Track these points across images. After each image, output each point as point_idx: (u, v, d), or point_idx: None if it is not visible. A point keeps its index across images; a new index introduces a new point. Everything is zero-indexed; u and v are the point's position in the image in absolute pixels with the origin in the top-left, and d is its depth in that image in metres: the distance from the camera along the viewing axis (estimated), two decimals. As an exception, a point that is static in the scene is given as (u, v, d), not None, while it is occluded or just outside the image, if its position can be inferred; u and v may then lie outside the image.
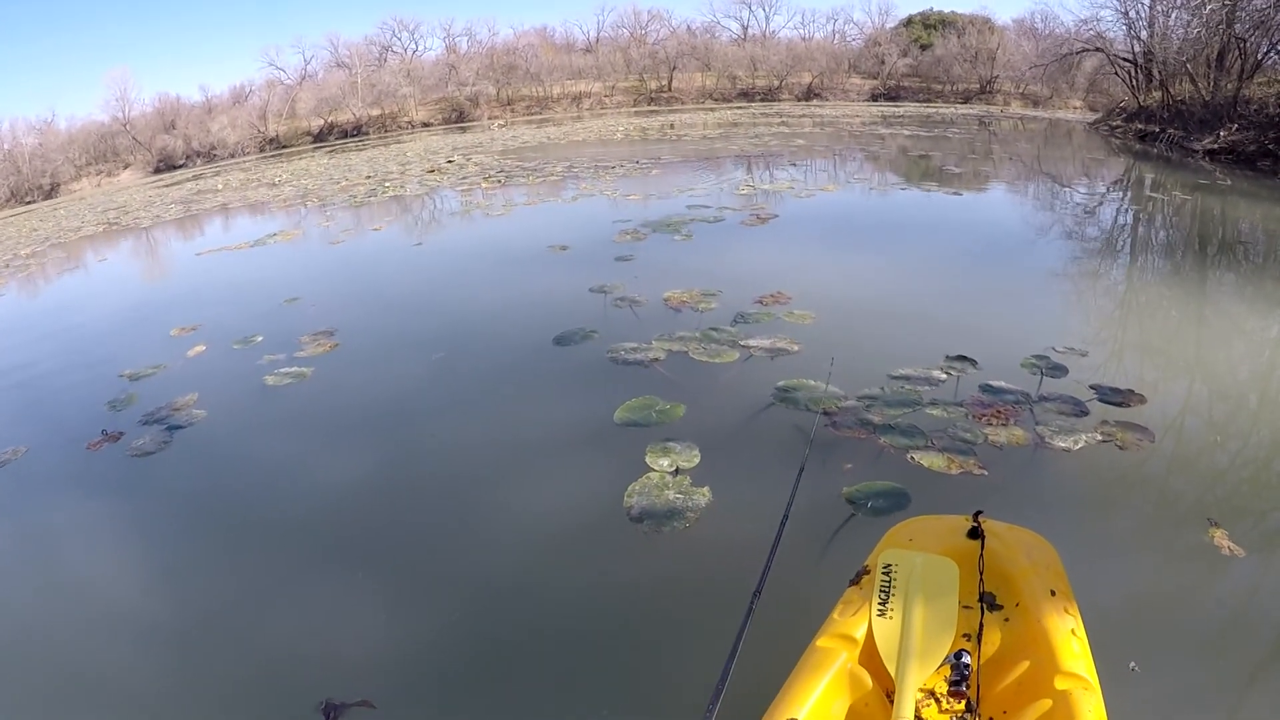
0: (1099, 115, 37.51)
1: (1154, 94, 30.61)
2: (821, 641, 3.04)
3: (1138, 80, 32.96)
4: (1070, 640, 2.92)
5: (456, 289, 11.70)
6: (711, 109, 56.97)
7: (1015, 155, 26.42)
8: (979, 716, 2.80)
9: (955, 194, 17.60)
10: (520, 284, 11.32)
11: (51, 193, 49.33)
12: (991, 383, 6.81)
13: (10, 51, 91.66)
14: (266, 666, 4.36)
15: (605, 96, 66.14)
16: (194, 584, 5.18)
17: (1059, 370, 7.05)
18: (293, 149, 57.30)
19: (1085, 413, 6.25)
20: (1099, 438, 5.86)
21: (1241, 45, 24.46)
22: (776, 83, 64.35)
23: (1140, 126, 29.55)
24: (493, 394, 7.67)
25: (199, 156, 56.78)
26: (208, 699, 4.15)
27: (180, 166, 55.32)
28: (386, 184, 25.22)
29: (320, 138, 61.08)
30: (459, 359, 8.59)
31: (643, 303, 9.67)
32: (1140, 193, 18.58)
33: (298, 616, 4.74)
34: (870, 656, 3.00)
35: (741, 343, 8.10)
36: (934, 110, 48.96)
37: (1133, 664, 3.69)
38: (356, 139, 58.61)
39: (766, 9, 78.13)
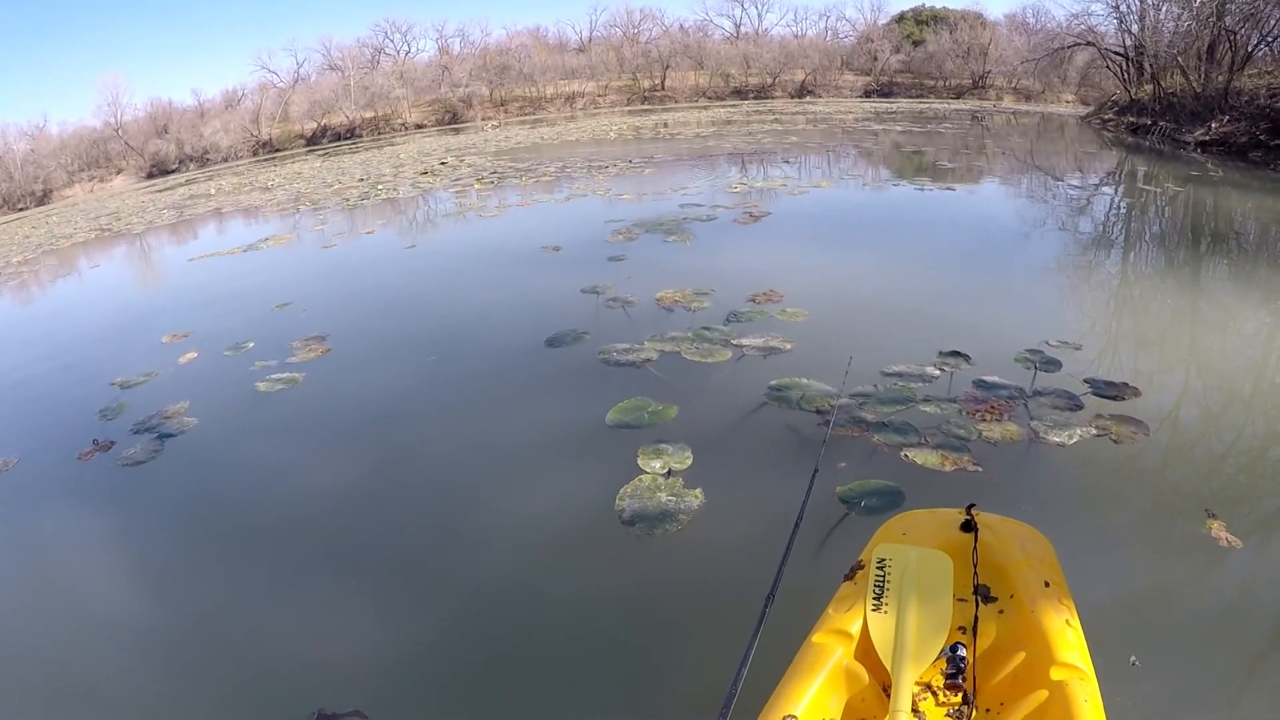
0: (1091, 109, 37.62)
1: (1145, 87, 30.69)
2: (817, 637, 3.03)
3: (1129, 74, 33.05)
4: (1065, 631, 2.92)
5: (448, 291, 11.67)
6: (705, 107, 57.02)
7: (1008, 150, 26.41)
8: (976, 708, 2.80)
9: (948, 189, 17.56)
10: (512, 285, 11.29)
11: (44, 199, 49.35)
12: (985, 378, 6.79)
13: (2, 57, 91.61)
14: (258, 676, 4.32)
15: (599, 96, 66.15)
16: (185, 593, 5.14)
17: (1053, 364, 7.03)
18: (286, 152, 57.30)
19: (1079, 407, 6.23)
20: (1093, 431, 5.83)
21: (1232, 37, 24.52)
22: (769, 80, 64.46)
23: (1132, 119, 29.63)
24: (484, 397, 7.63)
25: (192, 161, 56.78)
26: (199, 709, 4.12)
27: (173, 171, 55.31)
28: (379, 187, 25.18)
29: (313, 141, 61.06)
30: (450, 362, 8.55)
31: (635, 303, 9.64)
32: (1133, 185, 18.59)
33: (290, 625, 4.71)
34: (866, 651, 3.00)
35: (734, 342, 8.06)
36: (927, 106, 48.96)
37: (1133, 658, 3.67)
38: (350, 142, 58.60)
39: (759, 7, 78.70)
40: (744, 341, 8.04)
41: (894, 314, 8.78)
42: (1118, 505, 5.10)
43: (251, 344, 9.71)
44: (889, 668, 2.86)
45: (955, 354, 7.32)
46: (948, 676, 2.86)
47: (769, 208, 15.30)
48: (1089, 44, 36.10)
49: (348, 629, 4.60)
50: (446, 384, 8.04)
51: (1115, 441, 5.70)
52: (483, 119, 62.39)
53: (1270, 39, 24.75)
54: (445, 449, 6.73)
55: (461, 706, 3.96)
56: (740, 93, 64.44)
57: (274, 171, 39.34)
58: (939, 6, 66.13)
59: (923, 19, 65.23)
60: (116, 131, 58.61)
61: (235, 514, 6.04)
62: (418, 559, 5.23)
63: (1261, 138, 20.36)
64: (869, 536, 3.71)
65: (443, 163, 30.62)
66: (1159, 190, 17.23)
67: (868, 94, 61.12)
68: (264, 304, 11.66)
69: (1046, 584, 3.18)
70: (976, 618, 3.10)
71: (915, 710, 2.75)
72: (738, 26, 75.62)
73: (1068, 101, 46.76)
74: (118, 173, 56.29)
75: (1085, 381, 6.63)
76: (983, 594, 3.24)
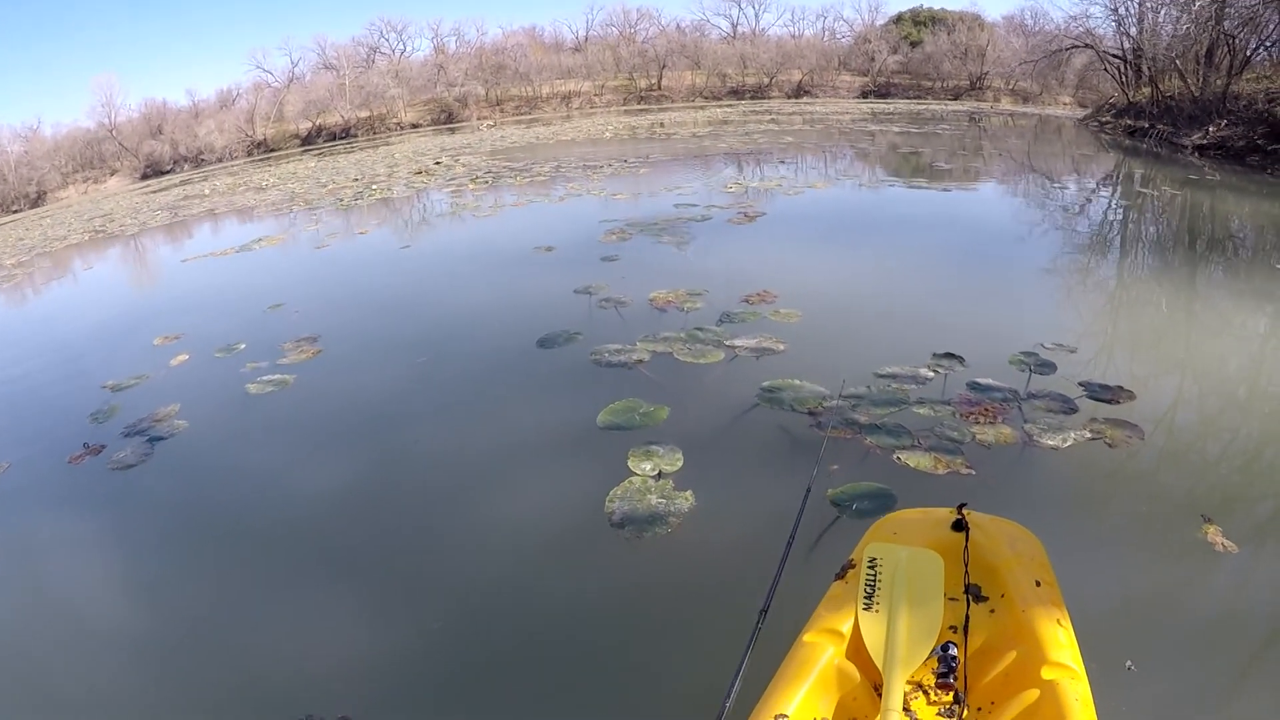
0: (1088, 111, 37.63)
1: (1143, 90, 30.69)
2: (808, 637, 3.02)
3: (1127, 76, 33.08)
4: (1056, 630, 2.91)
5: (441, 292, 11.63)
6: (701, 107, 57.09)
7: (1005, 151, 26.43)
8: (967, 707, 2.79)
9: (945, 190, 17.56)
10: (505, 286, 11.24)
11: (38, 201, 49.29)
12: (979, 380, 6.73)
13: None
14: (249, 681, 4.27)
15: (595, 95, 66.20)
16: (174, 598, 5.09)
17: (1048, 367, 6.98)
18: (281, 152, 57.29)
19: (1074, 410, 6.17)
20: (1088, 435, 5.78)
21: (1230, 42, 24.53)
22: (766, 80, 64.54)
23: (1129, 122, 29.62)
24: (475, 398, 7.58)
25: (186, 161, 56.75)
26: (190, 714, 4.08)
27: (167, 172, 55.28)
28: (374, 187, 25.13)
29: (308, 141, 61.07)
30: (442, 363, 8.49)
31: (628, 303, 9.58)
32: (1130, 188, 18.57)
33: (279, 629, 4.66)
34: (857, 651, 2.98)
35: (727, 343, 8.01)
36: (924, 107, 49.08)
37: (1129, 663, 3.64)
38: (345, 141, 58.59)
39: (756, 6, 79.11)
40: (737, 342, 7.98)
41: (888, 315, 8.74)
42: (1113, 510, 5.06)
43: (243, 345, 9.64)
44: (880, 667, 2.85)
45: (949, 356, 7.26)
46: (939, 676, 2.86)
47: (764, 208, 15.26)
48: (1087, 46, 36.14)
49: (337, 633, 4.55)
50: (437, 385, 7.98)
51: (1110, 445, 5.65)
52: (478, 118, 62.38)
53: (1269, 43, 24.83)
54: (435, 451, 6.65)
55: (451, 711, 3.93)
56: (737, 93, 64.52)
57: (269, 171, 39.32)
58: (937, 7, 66.37)
59: (920, 20, 65.35)
60: (110, 132, 58.60)
61: (224, 517, 5.98)
62: (408, 562, 5.17)
63: (1259, 142, 20.32)
64: (860, 539, 3.66)
65: (437, 162, 30.58)
66: (1156, 193, 17.22)
67: (865, 95, 61.22)
68: (256, 305, 11.60)
69: (1038, 583, 3.16)
70: (968, 617, 3.09)
71: (907, 709, 2.75)
72: (735, 26, 75.89)
73: (1065, 104, 46.80)
74: (112, 174, 56.25)
75: (1080, 384, 6.58)
76: (974, 593, 3.23)
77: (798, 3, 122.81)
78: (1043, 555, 3.38)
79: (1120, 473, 5.41)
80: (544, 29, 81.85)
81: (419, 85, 66.61)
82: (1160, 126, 26.29)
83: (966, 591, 3.20)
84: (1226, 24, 24.64)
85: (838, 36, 71.93)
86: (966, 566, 3.28)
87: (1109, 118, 32.79)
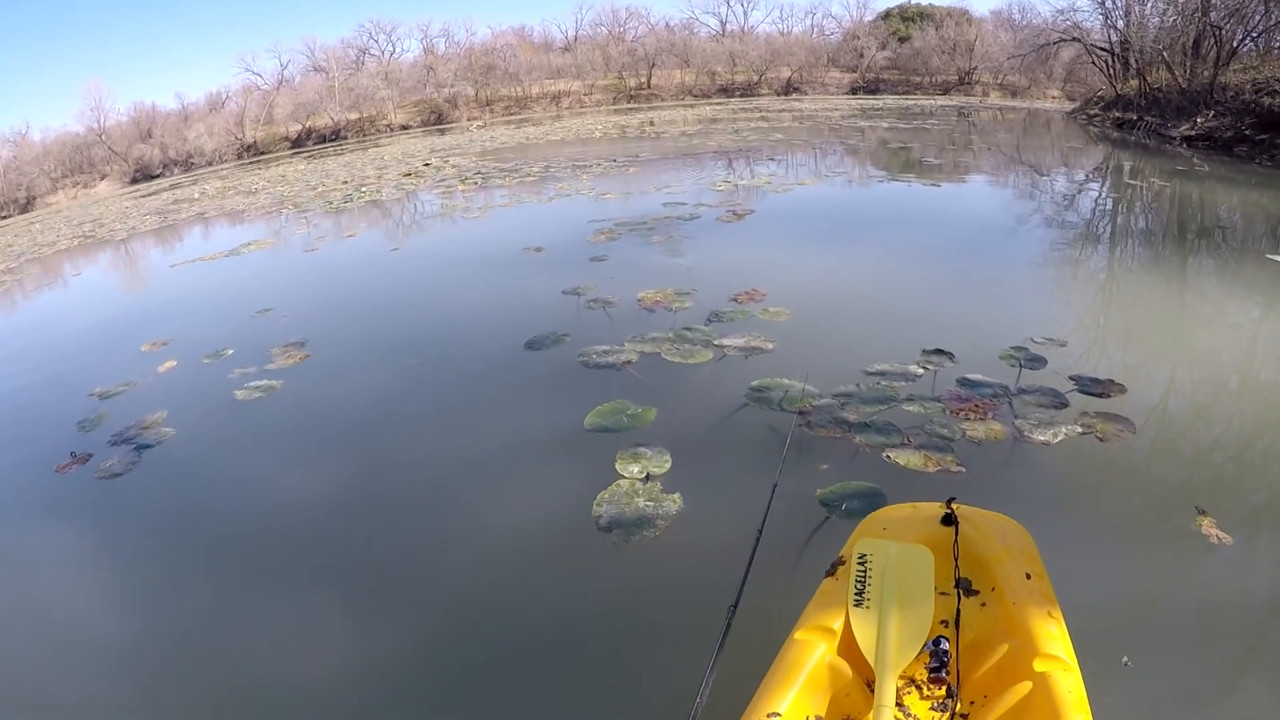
0: (1077, 104, 37.79)
1: (1131, 82, 30.76)
2: (799, 635, 3.01)
3: (1115, 69, 33.20)
4: (1047, 622, 2.91)
5: (429, 295, 11.57)
6: (691, 105, 57.07)
7: (994, 145, 26.48)
8: (960, 701, 2.80)
9: (934, 185, 17.57)
10: (494, 288, 11.18)
11: (27, 206, 49.13)
12: (969, 376, 6.70)
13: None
14: (238, 690, 4.23)
15: (584, 95, 66.13)
16: (162, 608, 5.04)
17: (1038, 361, 6.95)
18: (271, 155, 57.13)
19: (1065, 404, 6.15)
20: (1079, 430, 5.75)
21: (1217, 33, 24.59)
22: (755, 78, 64.60)
23: (1118, 115, 29.70)
24: (462, 403, 7.53)
25: (176, 165, 56.54)
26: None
27: (157, 176, 55.09)
28: (363, 189, 25.05)
29: (298, 143, 60.90)
30: (429, 367, 8.43)
31: (616, 304, 9.54)
32: (1119, 180, 18.61)
33: (268, 637, 4.62)
34: (849, 647, 2.98)
35: (715, 342, 7.97)
36: (913, 102, 49.14)
37: (1125, 659, 3.62)
38: (335, 144, 58.44)
39: (745, 4, 79.36)
40: (725, 342, 7.95)
41: (877, 312, 8.71)
42: (1105, 504, 5.03)
43: (231, 351, 9.57)
44: (872, 663, 2.85)
45: (939, 352, 7.23)
46: (931, 670, 2.88)
47: (753, 206, 15.23)
48: (1074, 40, 36.35)
49: (327, 640, 4.52)
50: (425, 389, 7.93)
51: (1101, 439, 5.62)
52: (468, 119, 62.30)
53: (1255, 34, 24.86)
54: (423, 456, 6.60)
55: (442, 717, 3.91)
56: (726, 91, 64.55)
57: (258, 175, 39.20)
58: (925, 3, 66.32)
59: (909, 15, 65.36)
60: (100, 137, 58.33)
61: (211, 526, 5.93)
62: (396, 568, 5.13)
63: (1247, 132, 20.36)
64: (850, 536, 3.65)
65: (427, 164, 30.49)
66: (1145, 185, 17.24)
67: (854, 91, 61.27)
68: (245, 310, 11.52)
69: (1028, 576, 3.16)
70: (958, 611, 3.09)
71: (900, 704, 2.75)
72: (724, 24, 75.80)
73: (1053, 97, 46.97)
74: (101, 178, 56.03)
75: (1071, 379, 6.55)
76: (964, 587, 3.23)
77: (786, 0, 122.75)
78: (1033, 548, 3.38)
79: (1112, 466, 5.39)
80: (533, 29, 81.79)
81: (408, 86, 66.46)
82: (1148, 118, 26.37)
83: (957, 585, 3.21)
84: (1213, 15, 24.75)
85: (826, 33, 71.99)
86: (956, 561, 3.29)
87: (1097, 110, 32.88)
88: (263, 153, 59.18)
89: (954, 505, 3.54)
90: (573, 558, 4.97)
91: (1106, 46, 33.33)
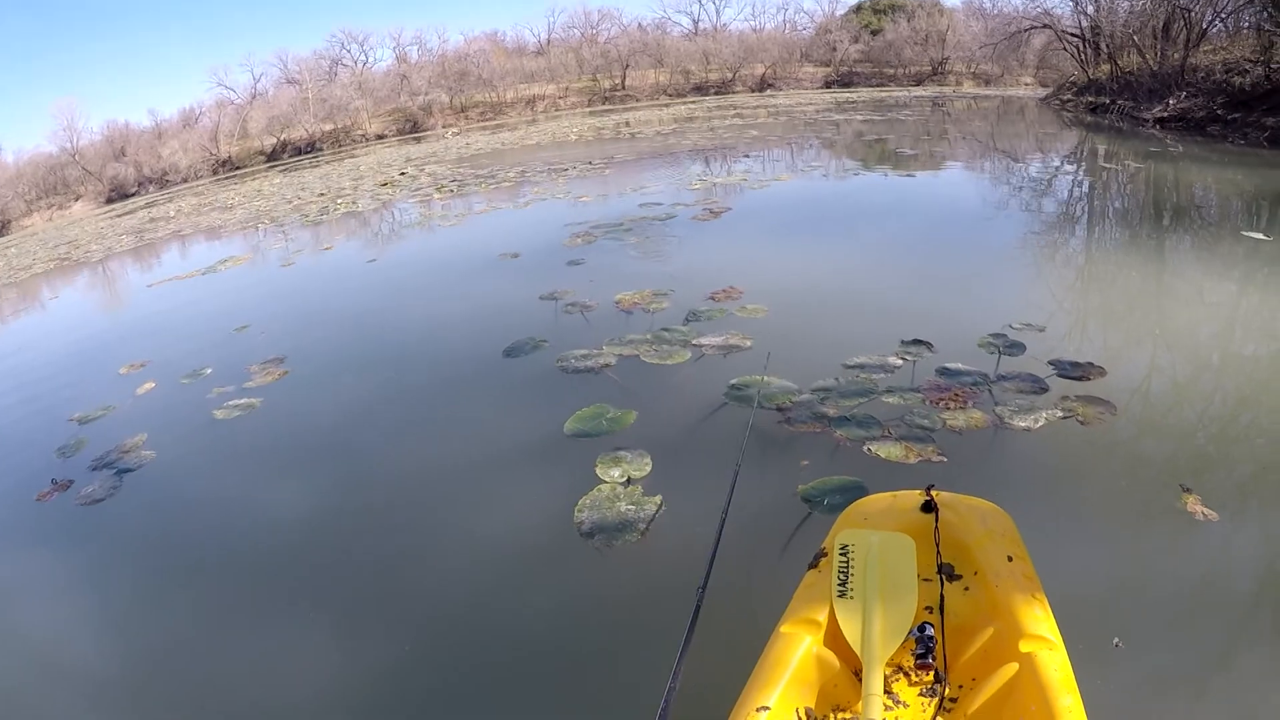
0: (1050, 90, 38.05)
1: (1103, 67, 30.96)
2: (785, 628, 2.99)
3: (1086, 54, 33.34)
4: (1031, 603, 2.91)
5: (407, 306, 11.47)
6: (666, 105, 57.10)
7: (969, 134, 26.57)
8: (948, 685, 2.80)
9: (910, 176, 17.60)
10: (471, 296, 11.12)
11: (3, 230, 48.86)
12: (948, 365, 6.69)
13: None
14: (219, 714, 4.18)
15: (559, 98, 66.08)
16: (144, 633, 4.98)
17: (1017, 348, 6.94)
18: (246, 169, 56.88)
19: (1045, 389, 6.14)
20: (1060, 414, 5.74)
21: (1186, 15, 24.77)
22: (730, 75, 64.72)
23: (1091, 99, 29.90)
24: (441, 413, 7.49)
25: (151, 183, 56.22)
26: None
27: (133, 194, 54.75)
28: (339, 201, 24.91)
29: (273, 156, 60.67)
30: (408, 378, 8.38)
31: (593, 307, 9.50)
32: (1093, 164, 18.68)
33: (250, 659, 4.56)
34: (835, 637, 2.95)
35: (693, 342, 7.93)
36: (887, 94, 49.32)
37: (1116, 640, 3.63)
38: (310, 156, 58.19)
39: (717, 2, 79.03)
40: (703, 341, 7.92)
41: (855, 305, 8.70)
42: (1089, 487, 5.01)
43: (209, 370, 9.47)
44: (859, 652, 2.83)
45: (918, 342, 7.21)
46: (918, 657, 2.86)
47: (730, 203, 15.23)
48: (1045, 26, 36.57)
49: (309, 660, 4.47)
50: (404, 401, 7.87)
51: (1082, 423, 5.61)
52: (443, 126, 62.14)
53: (1225, 14, 25.02)
54: (403, 469, 6.55)
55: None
56: (701, 89, 64.63)
57: (234, 190, 39.00)
58: (895, -5, 66.57)
59: (880, 8, 65.58)
60: (74, 157, 58.02)
61: (193, 548, 5.86)
62: (379, 583, 5.07)
63: (1219, 112, 20.55)
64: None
65: (403, 173, 30.40)
66: (1119, 168, 17.32)
67: (828, 85, 61.48)
68: (222, 328, 11.42)
69: (1009, 558, 3.17)
70: (942, 596, 3.08)
71: (888, 692, 2.75)
72: (696, 23, 76.05)
73: (1027, 84, 47.24)
74: (76, 199, 55.65)
75: (1050, 363, 6.55)
76: (947, 572, 3.22)
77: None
78: (1013, 530, 3.38)
79: (1095, 449, 5.37)
80: (505, 34, 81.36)
81: (383, 95, 66.31)
82: (1121, 102, 26.51)
83: (940, 571, 3.20)
84: (1181, -2, 24.86)
85: (799, 29, 72.30)
86: (938, 546, 3.28)
87: (1070, 96, 33.11)
88: (238, 167, 58.93)
89: (933, 492, 3.53)
90: (555, 565, 4.92)
91: (1077, 32, 33.48)
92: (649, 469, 5.71)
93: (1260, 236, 10.23)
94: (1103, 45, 30.75)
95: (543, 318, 9.41)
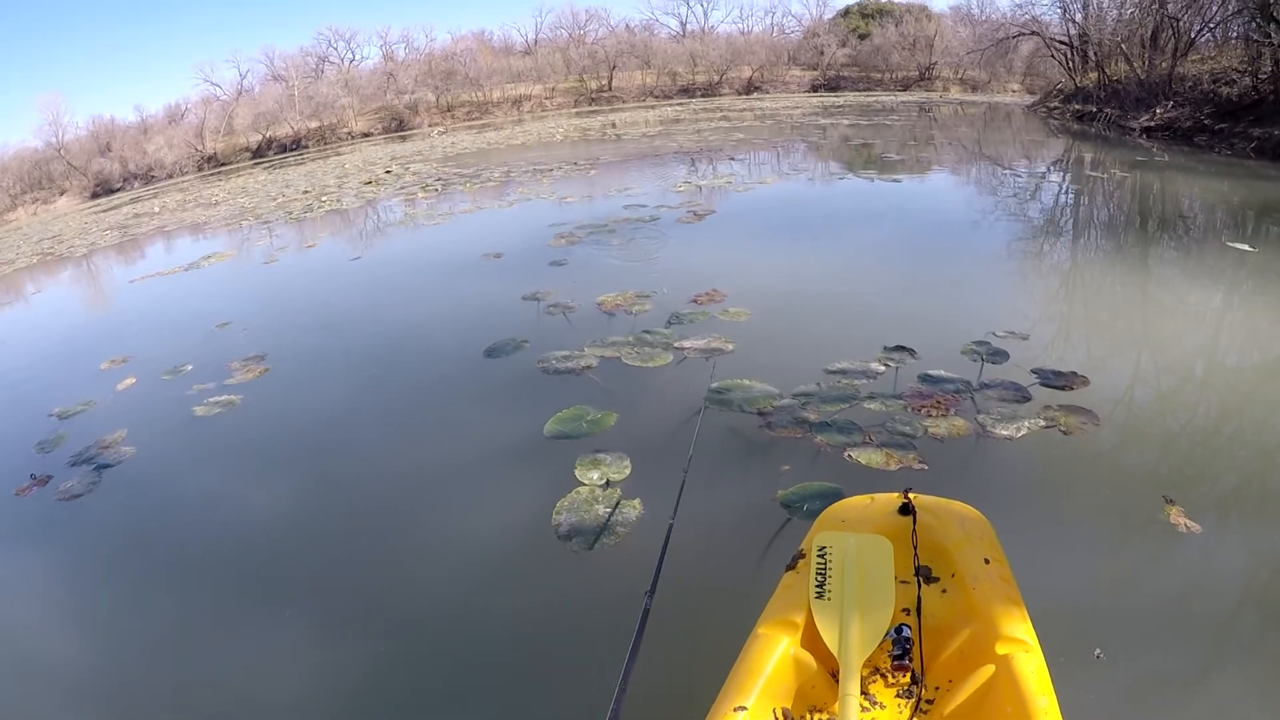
0: (1037, 97, 38.14)
1: (1090, 75, 31.09)
2: (762, 629, 3.00)
3: (1074, 62, 33.51)
4: (1007, 606, 2.94)
5: (389, 304, 11.39)
6: (652, 106, 57.11)
7: (955, 140, 26.65)
8: (925, 687, 2.80)
9: (895, 181, 17.60)
10: (454, 295, 11.08)
11: (-13, 224, 48.46)
12: (931, 372, 6.66)
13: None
14: (197, 712, 4.15)
15: (545, 99, 66.03)
16: (123, 629, 4.94)
17: (1000, 356, 6.92)
18: (231, 166, 56.66)
19: (1027, 398, 6.11)
20: (1042, 423, 5.72)
21: (1174, 24, 24.88)
22: (717, 78, 64.79)
23: (1078, 107, 30.00)
24: (422, 413, 7.43)
25: (136, 179, 55.92)
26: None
27: (118, 190, 54.42)
28: (324, 198, 24.78)
29: (259, 153, 60.41)
30: (389, 378, 8.32)
31: (575, 308, 9.45)
32: (1080, 172, 18.71)
33: (229, 658, 4.52)
34: (812, 639, 2.96)
35: (675, 345, 7.89)
36: (874, 99, 49.46)
37: (1098, 651, 3.62)
38: (296, 153, 58.00)
39: (705, 5, 79.26)
40: (685, 344, 7.87)
41: (838, 310, 8.67)
42: (1072, 497, 5.00)
43: (190, 367, 9.39)
44: (836, 654, 2.83)
45: (900, 349, 7.19)
46: (895, 658, 2.87)
47: (714, 206, 15.22)
48: (1033, 34, 36.71)
49: (288, 659, 4.45)
50: (384, 401, 7.81)
51: (1065, 433, 5.60)
52: (429, 125, 62.03)
53: (1212, 25, 25.11)
54: (383, 469, 6.49)
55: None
56: (688, 91, 64.68)
57: (219, 186, 38.83)
58: (884, 0, 66.69)
59: (868, 13, 65.81)
60: (59, 152, 57.71)
61: (171, 545, 5.82)
62: (357, 583, 5.03)
63: (1205, 122, 20.63)
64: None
65: (388, 171, 30.30)
66: (1106, 176, 17.36)
67: (815, 88, 61.60)
68: (204, 324, 11.33)
69: (986, 561, 3.18)
70: (919, 598, 3.08)
71: (865, 693, 2.76)
72: (684, 25, 76.11)
73: (1014, 91, 47.37)
74: (61, 194, 55.34)
75: (1033, 372, 6.52)
76: (924, 575, 3.22)
77: (746, 0, 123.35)
78: (991, 534, 3.39)
79: (1078, 459, 5.36)
80: (493, 33, 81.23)
81: (369, 93, 66.14)
82: (1108, 110, 26.59)
83: (917, 573, 3.19)
84: (1170, 7, 25.00)
85: (786, 32, 72.40)
86: (915, 549, 3.28)
87: (1057, 103, 33.22)
88: (223, 164, 58.67)
89: (911, 495, 3.53)
90: (533, 568, 4.88)
91: (1065, 40, 33.67)
92: (628, 472, 5.67)
93: (1245, 248, 10.25)
94: (1090, 53, 30.94)
95: (525, 318, 9.36)
